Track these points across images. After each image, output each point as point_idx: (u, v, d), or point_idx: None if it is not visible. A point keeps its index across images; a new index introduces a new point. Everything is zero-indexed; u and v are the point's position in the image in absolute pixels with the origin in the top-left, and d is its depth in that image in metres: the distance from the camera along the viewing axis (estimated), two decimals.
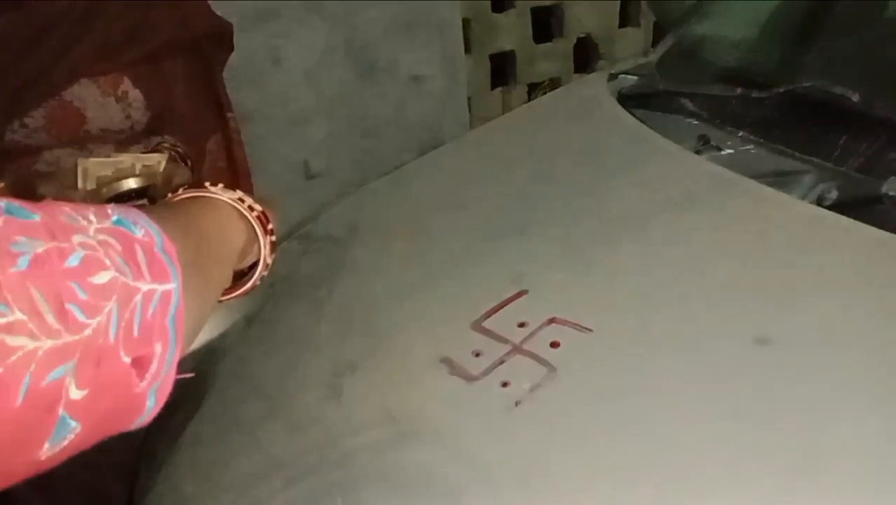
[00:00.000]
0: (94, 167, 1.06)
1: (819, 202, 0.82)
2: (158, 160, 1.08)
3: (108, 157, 1.06)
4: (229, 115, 1.23)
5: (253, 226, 0.56)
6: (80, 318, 0.34)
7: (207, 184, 0.56)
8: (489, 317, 0.70)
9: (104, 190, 0.87)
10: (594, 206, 0.87)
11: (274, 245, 0.57)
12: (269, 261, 0.58)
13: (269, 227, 0.57)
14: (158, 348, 0.39)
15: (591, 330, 0.67)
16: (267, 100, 2.11)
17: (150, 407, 0.40)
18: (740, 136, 0.97)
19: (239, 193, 0.56)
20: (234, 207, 0.55)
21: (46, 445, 0.34)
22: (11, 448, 0.33)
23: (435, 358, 0.67)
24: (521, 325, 0.69)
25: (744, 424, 0.55)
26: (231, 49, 1.20)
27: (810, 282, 0.68)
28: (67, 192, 0.98)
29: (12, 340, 0.31)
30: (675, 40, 1.19)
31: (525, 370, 0.63)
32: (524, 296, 0.72)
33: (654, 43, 1.25)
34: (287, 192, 0.93)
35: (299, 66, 2.15)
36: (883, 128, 0.83)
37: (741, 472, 0.52)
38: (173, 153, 1.09)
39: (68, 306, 0.33)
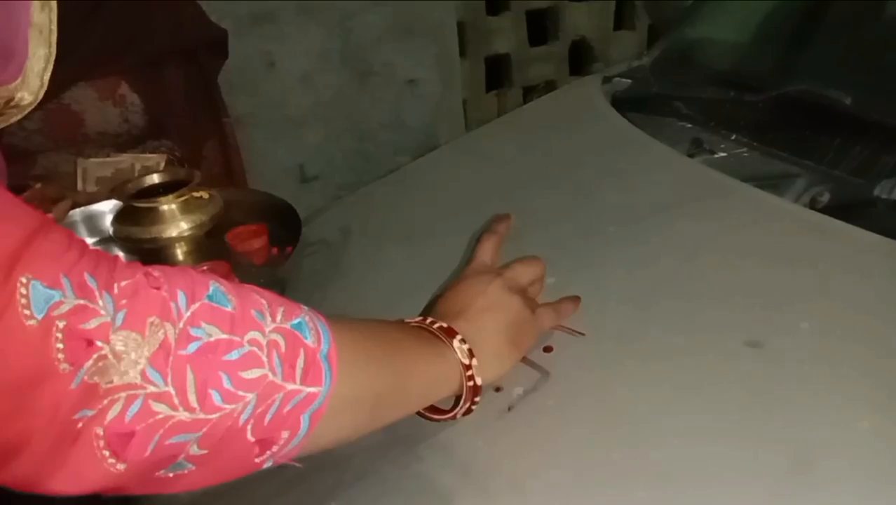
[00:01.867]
0: (93, 167, 1.07)
1: (812, 205, 0.82)
2: (157, 160, 1.09)
3: (108, 157, 1.07)
4: (225, 119, 1.23)
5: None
6: (218, 402, 0.39)
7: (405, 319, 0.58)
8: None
9: (130, 185, 0.88)
10: (587, 209, 0.87)
11: (477, 389, 0.56)
12: (469, 362, 0.55)
13: (460, 336, 0.56)
14: (285, 435, 0.43)
15: (583, 334, 0.67)
16: (262, 104, 2.11)
17: (266, 467, 0.45)
18: (733, 140, 0.97)
19: (426, 319, 0.57)
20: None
21: (162, 472, 0.40)
22: (138, 476, 0.39)
23: None
24: None
25: (736, 427, 0.56)
26: (226, 55, 1.21)
27: (802, 285, 0.69)
28: (68, 192, 0.99)
29: (156, 406, 0.37)
30: (669, 43, 1.20)
31: (518, 375, 0.63)
32: None
33: (649, 46, 1.26)
34: (282, 196, 0.93)
35: (294, 70, 2.16)
36: (875, 131, 0.84)
37: (734, 475, 0.52)
38: (171, 157, 1.09)
39: (210, 391, 0.39)
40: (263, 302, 0.43)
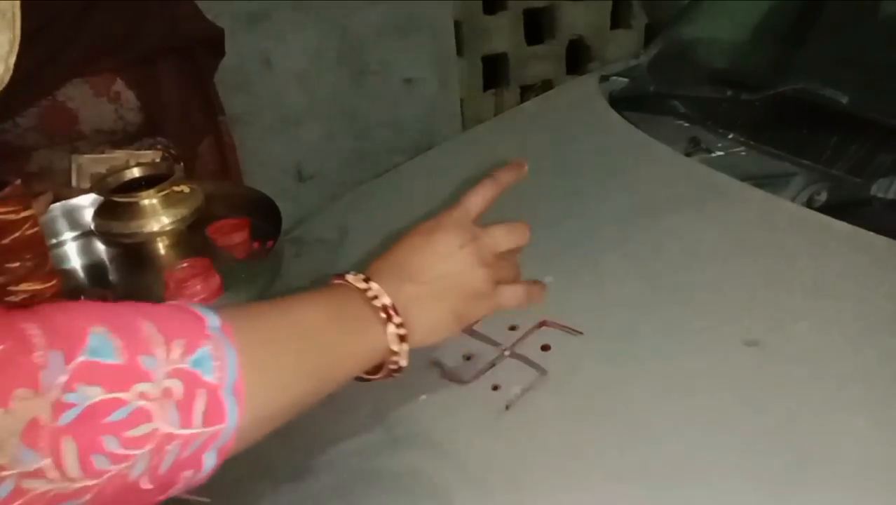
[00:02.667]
0: (88, 164, 1.07)
1: (809, 204, 0.82)
2: (153, 157, 1.08)
3: (103, 153, 1.06)
4: (221, 118, 1.23)
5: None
6: (103, 466, 0.37)
7: (349, 277, 0.55)
8: (480, 320, 0.70)
9: (110, 179, 0.87)
10: (585, 208, 0.87)
11: (403, 338, 0.53)
12: (397, 349, 0.53)
13: (397, 320, 0.53)
14: (188, 474, 0.41)
15: (581, 333, 0.67)
16: (258, 102, 2.11)
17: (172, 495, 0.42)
18: (731, 139, 0.97)
19: (369, 287, 0.54)
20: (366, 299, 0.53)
21: None
22: None
23: (426, 361, 0.67)
24: (512, 328, 0.69)
25: (734, 425, 0.56)
26: (222, 54, 1.20)
27: (800, 284, 0.69)
28: (62, 190, 0.98)
29: (29, 484, 0.35)
30: (666, 42, 1.20)
31: (516, 373, 0.63)
32: None
33: (646, 45, 1.26)
34: (279, 194, 0.92)
35: (291, 68, 2.15)
36: (872, 130, 0.84)
37: (731, 472, 0.52)
38: (166, 154, 1.09)
39: (93, 457, 0.36)
40: (159, 339, 0.40)
